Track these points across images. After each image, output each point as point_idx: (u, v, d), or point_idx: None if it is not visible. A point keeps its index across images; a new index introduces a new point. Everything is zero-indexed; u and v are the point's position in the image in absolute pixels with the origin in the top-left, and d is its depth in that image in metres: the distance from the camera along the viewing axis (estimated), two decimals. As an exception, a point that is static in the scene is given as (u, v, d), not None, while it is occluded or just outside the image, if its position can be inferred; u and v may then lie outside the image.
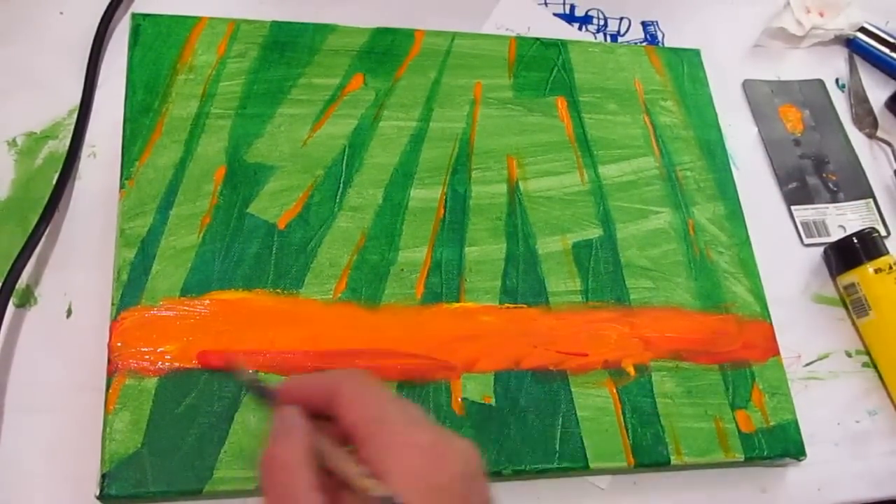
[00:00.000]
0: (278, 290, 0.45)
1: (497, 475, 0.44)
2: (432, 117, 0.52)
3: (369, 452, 0.31)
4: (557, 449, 0.45)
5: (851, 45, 0.69)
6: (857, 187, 0.62)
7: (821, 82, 0.66)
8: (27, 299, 0.46)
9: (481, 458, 0.32)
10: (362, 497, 0.30)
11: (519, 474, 0.44)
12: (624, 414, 0.47)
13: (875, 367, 0.55)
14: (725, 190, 0.56)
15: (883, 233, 0.60)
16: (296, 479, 0.30)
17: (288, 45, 0.52)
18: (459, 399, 0.45)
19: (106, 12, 0.54)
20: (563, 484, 0.46)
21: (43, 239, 0.46)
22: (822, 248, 0.59)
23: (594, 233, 0.52)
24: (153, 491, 0.39)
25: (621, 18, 0.65)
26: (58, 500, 0.41)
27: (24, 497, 0.41)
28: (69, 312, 0.46)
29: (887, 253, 0.55)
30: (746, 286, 0.53)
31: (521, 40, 0.57)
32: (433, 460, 0.31)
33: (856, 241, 0.56)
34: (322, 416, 0.33)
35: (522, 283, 0.49)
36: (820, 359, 0.55)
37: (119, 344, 0.42)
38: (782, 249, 0.58)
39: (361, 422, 0.32)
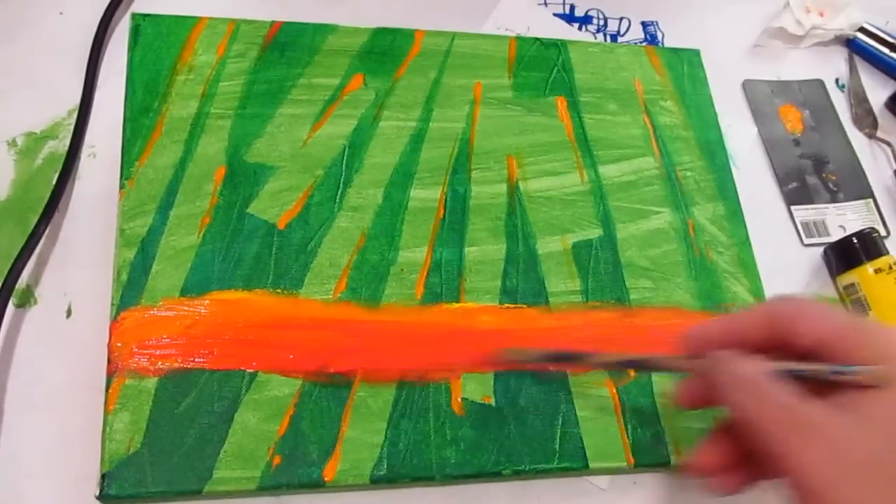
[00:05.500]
0: (278, 290, 0.45)
1: (497, 475, 0.44)
2: (432, 117, 0.52)
3: (855, 354, 0.34)
4: (557, 449, 0.45)
5: (851, 45, 0.69)
6: (857, 187, 0.62)
7: (821, 82, 0.66)
8: (27, 299, 0.46)
9: None
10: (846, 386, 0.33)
11: (519, 474, 0.44)
12: (624, 414, 0.47)
13: (875, 367, 0.55)
14: (725, 190, 0.56)
15: (883, 233, 0.60)
16: (767, 384, 0.34)
17: (288, 45, 0.52)
18: (459, 399, 0.45)
19: (106, 12, 0.54)
20: (563, 484, 0.46)
21: (43, 239, 0.46)
22: (822, 249, 0.59)
23: (594, 233, 0.52)
24: (153, 491, 0.39)
25: (621, 18, 0.65)
26: (58, 500, 0.41)
27: (23, 497, 0.41)
28: (69, 312, 0.46)
29: (887, 253, 0.55)
30: (746, 286, 0.53)
31: (521, 40, 0.57)
32: None
33: (856, 241, 0.56)
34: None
35: (522, 283, 0.49)
36: (820, 359, 0.55)
37: (119, 344, 0.42)
38: (782, 249, 0.58)
39: (832, 333, 0.35)
